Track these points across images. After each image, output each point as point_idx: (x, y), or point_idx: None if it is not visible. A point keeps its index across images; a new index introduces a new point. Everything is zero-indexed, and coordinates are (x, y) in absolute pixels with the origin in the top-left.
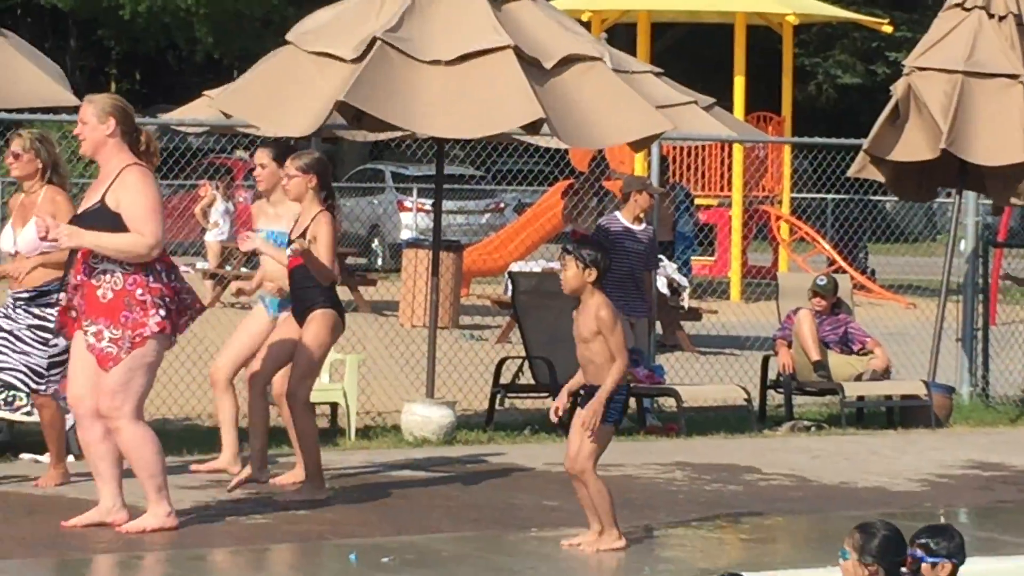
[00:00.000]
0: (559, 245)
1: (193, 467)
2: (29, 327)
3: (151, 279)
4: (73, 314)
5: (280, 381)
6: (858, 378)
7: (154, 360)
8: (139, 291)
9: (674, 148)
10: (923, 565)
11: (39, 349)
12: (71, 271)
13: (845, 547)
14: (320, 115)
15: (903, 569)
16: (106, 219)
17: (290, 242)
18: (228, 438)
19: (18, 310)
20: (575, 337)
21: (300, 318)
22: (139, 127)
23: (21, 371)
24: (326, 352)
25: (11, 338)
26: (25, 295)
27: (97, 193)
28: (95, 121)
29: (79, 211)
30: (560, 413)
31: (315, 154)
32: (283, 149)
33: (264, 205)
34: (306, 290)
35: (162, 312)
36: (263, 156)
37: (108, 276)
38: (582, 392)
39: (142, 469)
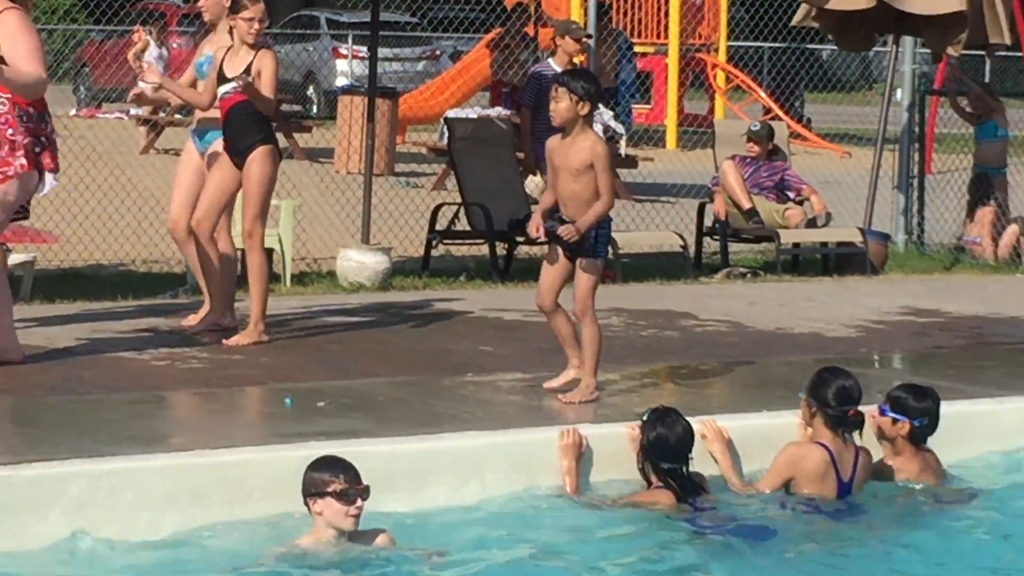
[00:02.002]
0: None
1: (187, 322)
2: None
3: (24, 119)
4: None
5: (201, 215)
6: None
7: (13, 200)
8: (9, 131)
9: None
10: (884, 417)
11: None
12: None
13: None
14: None
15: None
16: None
17: (223, 79)
18: (208, 283)
19: None
20: (558, 168)
21: (240, 158)
22: None
23: None
24: (272, 188)
25: None
26: None
27: None
28: None
29: None
30: (538, 231)
31: None
32: None
33: (212, 37)
34: (245, 129)
35: (35, 150)
36: None
37: None
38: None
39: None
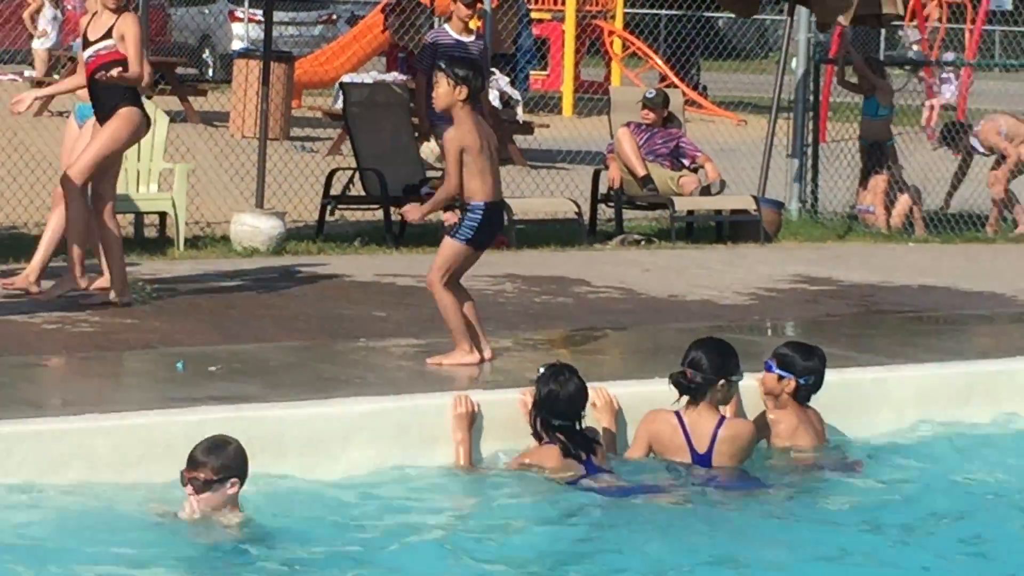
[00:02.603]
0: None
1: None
2: None
3: None
4: None
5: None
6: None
7: None
8: None
9: None
10: (770, 374)
11: None
12: None
13: None
14: None
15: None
16: None
17: (87, 43)
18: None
19: None
20: None
21: (104, 120)
22: None
23: None
24: (120, 147)
25: None
26: None
27: None
28: None
29: None
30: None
31: None
32: None
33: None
34: (109, 91)
35: None
36: None
37: None
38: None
39: None
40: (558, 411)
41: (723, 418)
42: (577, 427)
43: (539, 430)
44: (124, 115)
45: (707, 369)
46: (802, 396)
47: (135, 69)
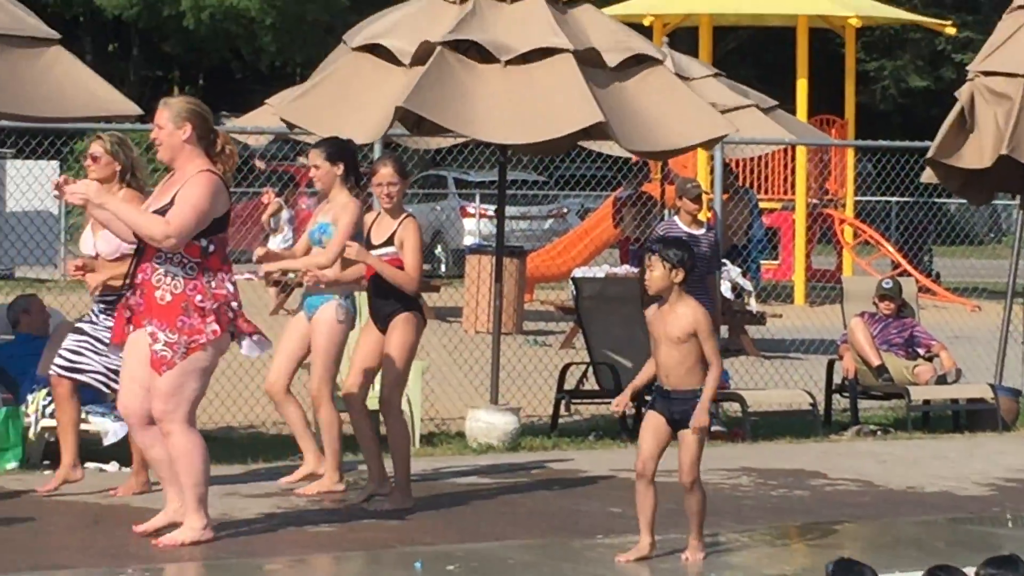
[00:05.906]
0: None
1: (283, 481)
2: (108, 328)
3: (213, 285)
4: (128, 314)
5: (348, 382)
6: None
7: (208, 366)
8: (199, 297)
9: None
10: None
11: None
12: (135, 270)
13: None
14: (382, 123)
15: None
16: None
17: (371, 246)
18: (306, 444)
19: (100, 315)
20: (658, 338)
21: (383, 323)
22: (215, 130)
23: (101, 372)
24: (414, 355)
25: (92, 341)
26: (109, 298)
27: (167, 195)
28: (171, 126)
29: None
30: (621, 409)
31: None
32: (336, 147)
33: (325, 205)
34: (387, 295)
35: (228, 315)
36: (316, 157)
37: (169, 279)
38: (654, 394)
39: (188, 476)
40: None
41: None
42: None
43: None
44: (405, 321)
45: None
46: None
47: (412, 275)
